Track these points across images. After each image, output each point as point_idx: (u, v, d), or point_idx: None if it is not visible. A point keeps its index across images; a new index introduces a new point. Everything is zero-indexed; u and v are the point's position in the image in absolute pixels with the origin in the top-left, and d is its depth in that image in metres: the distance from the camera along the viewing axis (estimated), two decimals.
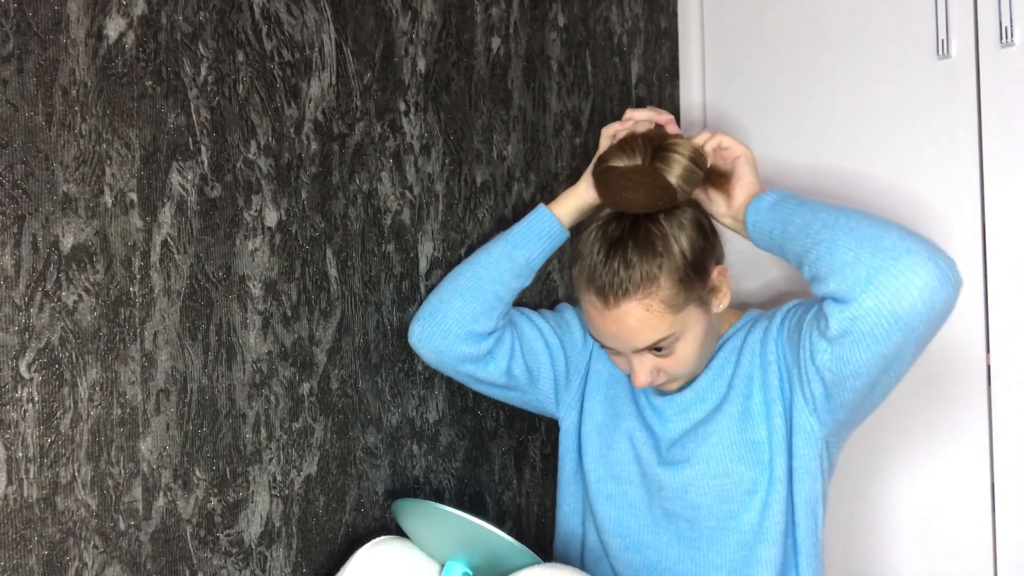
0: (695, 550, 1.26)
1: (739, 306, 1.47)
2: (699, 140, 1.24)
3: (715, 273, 1.23)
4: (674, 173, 1.17)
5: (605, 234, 1.20)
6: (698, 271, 1.20)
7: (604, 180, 1.21)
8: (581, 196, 1.31)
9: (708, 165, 1.23)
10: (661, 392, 1.32)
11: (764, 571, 1.22)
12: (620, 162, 1.19)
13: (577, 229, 1.34)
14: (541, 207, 1.32)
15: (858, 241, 1.07)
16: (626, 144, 1.21)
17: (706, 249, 1.21)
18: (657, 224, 1.19)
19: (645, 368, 1.22)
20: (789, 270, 1.62)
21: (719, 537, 1.24)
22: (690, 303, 1.20)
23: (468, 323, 1.28)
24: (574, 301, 1.55)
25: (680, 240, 1.18)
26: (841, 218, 1.11)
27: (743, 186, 1.23)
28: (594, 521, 1.35)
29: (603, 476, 1.34)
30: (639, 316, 1.17)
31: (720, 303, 1.25)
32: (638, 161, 1.18)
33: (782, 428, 1.23)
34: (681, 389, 1.30)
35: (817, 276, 1.11)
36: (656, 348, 1.20)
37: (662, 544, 1.29)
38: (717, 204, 1.26)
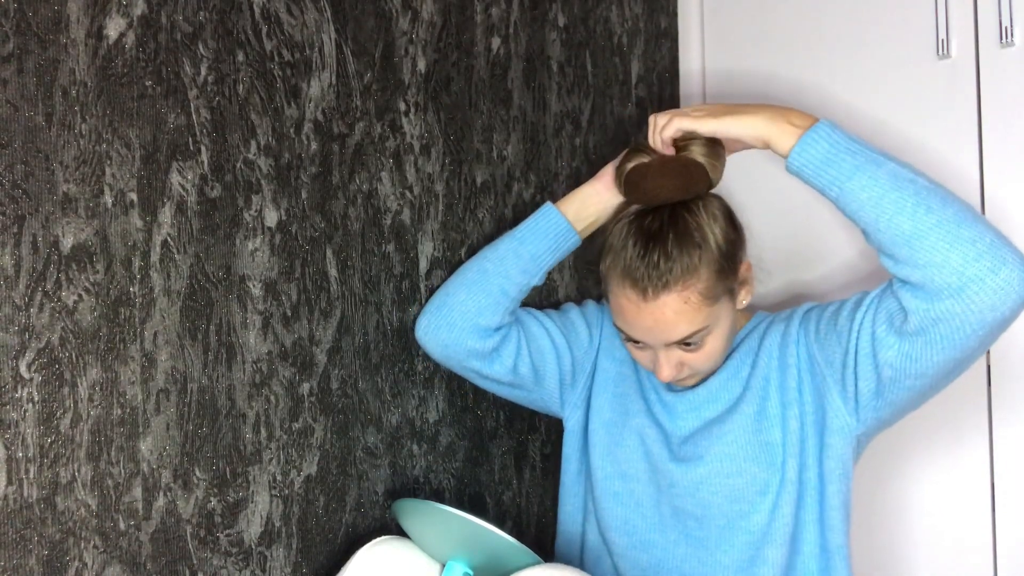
0: (703, 549, 1.26)
1: (748, 308, 1.47)
2: (654, 136, 1.19)
3: (743, 267, 1.24)
4: (697, 153, 1.18)
5: (641, 227, 1.20)
6: (731, 262, 1.20)
7: (634, 179, 1.20)
8: (586, 189, 1.32)
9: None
10: (672, 388, 1.32)
11: (769, 571, 1.22)
12: (642, 159, 1.20)
13: (591, 236, 1.35)
14: (547, 204, 1.33)
15: (947, 243, 1.02)
16: (641, 145, 1.22)
17: (736, 241, 1.22)
18: (694, 215, 1.19)
19: (671, 362, 1.22)
20: (797, 273, 1.62)
21: (728, 537, 1.24)
22: (724, 295, 1.20)
23: (473, 316, 1.28)
24: (575, 300, 1.55)
25: (715, 231, 1.19)
26: (920, 207, 1.04)
27: (754, 138, 1.13)
28: (599, 520, 1.35)
29: (611, 474, 1.33)
30: (677, 308, 1.17)
31: (746, 297, 1.26)
32: (657, 155, 1.19)
33: (797, 431, 1.23)
34: (694, 386, 1.30)
35: (894, 258, 1.07)
36: (686, 343, 1.20)
37: (669, 543, 1.29)
38: (737, 144, 1.20)
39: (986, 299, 1.02)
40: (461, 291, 1.29)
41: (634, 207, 1.25)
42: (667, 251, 1.16)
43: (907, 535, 1.50)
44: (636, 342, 1.23)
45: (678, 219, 1.18)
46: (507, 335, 1.31)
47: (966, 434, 1.44)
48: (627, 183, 1.22)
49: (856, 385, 1.16)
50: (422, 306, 1.35)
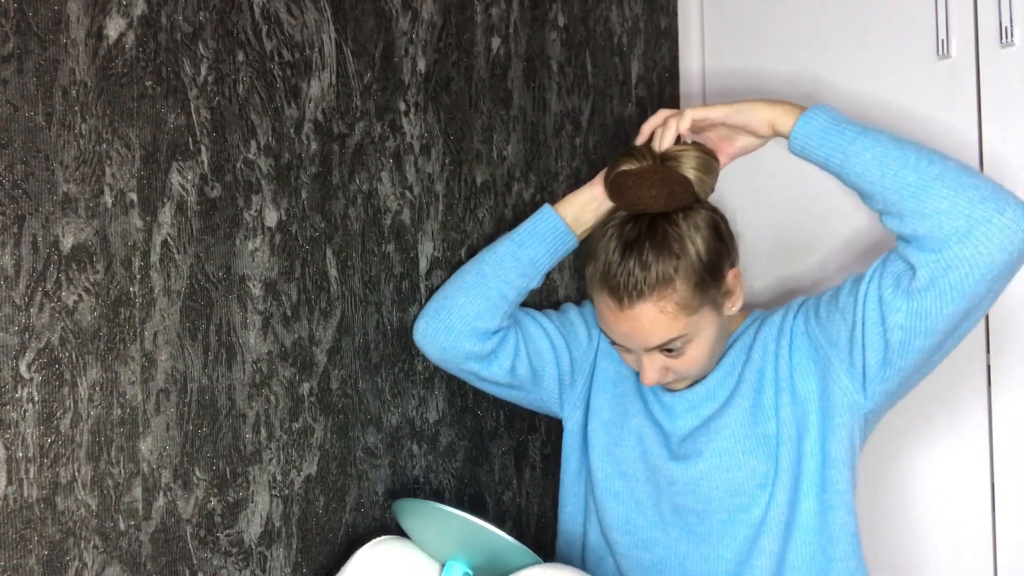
0: (704, 544, 1.26)
1: (744, 306, 1.47)
2: (670, 134, 1.21)
3: (730, 276, 1.23)
4: (688, 166, 1.19)
5: (621, 234, 1.20)
6: (713, 274, 1.20)
7: (619, 184, 1.21)
8: (584, 193, 1.31)
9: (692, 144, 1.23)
10: (670, 388, 1.32)
11: (767, 561, 1.22)
12: (631, 166, 1.20)
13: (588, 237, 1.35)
14: (546, 206, 1.32)
15: (952, 189, 1.06)
16: (634, 151, 1.22)
17: (721, 252, 1.22)
18: (674, 225, 1.19)
19: (655, 367, 1.22)
20: (796, 269, 1.62)
21: (729, 531, 1.24)
22: (704, 305, 1.20)
23: (472, 320, 1.28)
24: (574, 300, 1.55)
25: (696, 242, 1.19)
26: (923, 160, 1.09)
27: (760, 121, 1.19)
28: (600, 520, 1.35)
29: (610, 473, 1.34)
30: (652, 317, 1.17)
31: (733, 306, 1.25)
32: (649, 163, 1.19)
33: (790, 420, 1.23)
34: (691, 386, 1.30)
35: (900, 214, 1.10)
36: (667, 349, 1.20)
37: (671, 541, 1.29)
38: (738, 140, 1.24)
39: (994, 239, 1.05)
40: (459, 295, 1.29)
41: (619, 213, 1.26)
42: (643, 260, 1.17)
43: (905, 534, 1.50)
44: (621, 345, 1.23)
45: (656, 229, 1.19)
46: (505, 337, 1.31)
47: (966, 433, 1.44)
48: (612, 187, 1.22)
49: (864, 357, 1.16)
50: (422, 306, 1.35)
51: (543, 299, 1.51)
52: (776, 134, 1.20)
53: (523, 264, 1.30)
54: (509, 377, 1.32)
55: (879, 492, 1.53)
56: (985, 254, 1.05)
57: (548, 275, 1.52)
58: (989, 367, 1.42)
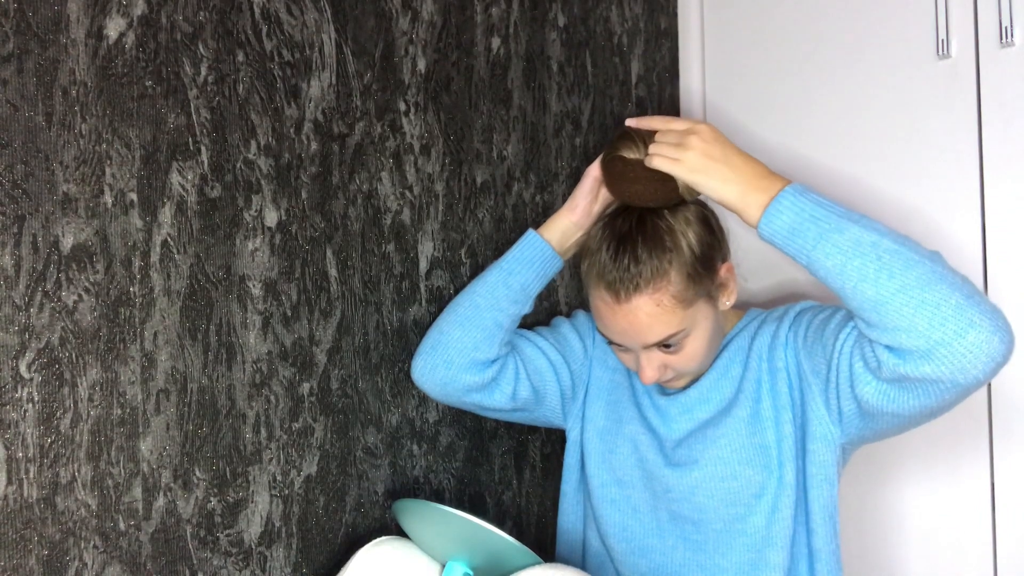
0: (701, 553, 1.26)
1: (741, 305, 1.47)
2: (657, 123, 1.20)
3: (723, 270, 1.24)
4: None
5: (613, 229, 1.21)
6: (706, 266, 1.20)
7: (611, 169, 1.22)
8: (564, 220, 1.32)
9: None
10: (664, 392, 1.32)
11: (772, 574, 1.22)
12: (628, 153, 1.20)
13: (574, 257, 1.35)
14: (530, 232, 1.34)
15: (912, 307, 1.00)
16: (634, 135, 1.22)
17: (713, 245, 1.22)
18: (664, 219, 1.20)
19: (653, 364, 1.22)
20: (794, 270, 1.62)
21: (726, 540, 1.24)
22: (699, 298, 1.20)
23: (470, 351, 1.28)
24: (574, 299, 1.55)
25: (688, 235, 1.19)
26: (883, 272, 1.02)
27: (724, 202, 1.14)
28: (598, 526, 1.35)
29: (607, 481, 1.34)
30: (650, 311, 1.17)
31: (727, 300, 1.25)
32: (644, 151, 1.20)
33: (792, 434, 1.22)
34: (685, 388, 1.30)
35: (866, 322, 1.05)
36: (665, 345, 1.20)
37: (667, 548, 1.29)
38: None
39: (955, 362, 1.00)
40: (455, 329, 1.29)
41: (609, 209, 1.28)
42: (636, 254, 1.17)
43: (905, 536, 1.50)
44: (619, 345, 1.23)
45: (647, 223, 1.19)
46: (504, 364, 1.31)
47: (966, 435, 1.44)
48: (607, 169, 1.23)
49: (839, 403, 1.15)
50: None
51: (542, 299, 1.51)
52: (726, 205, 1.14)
53: (515, 291, 1.31)
54: (512, 402, 1.32)
55: (877, 505, 1.53)
56: (948, 374, 1.00)
57: None
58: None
